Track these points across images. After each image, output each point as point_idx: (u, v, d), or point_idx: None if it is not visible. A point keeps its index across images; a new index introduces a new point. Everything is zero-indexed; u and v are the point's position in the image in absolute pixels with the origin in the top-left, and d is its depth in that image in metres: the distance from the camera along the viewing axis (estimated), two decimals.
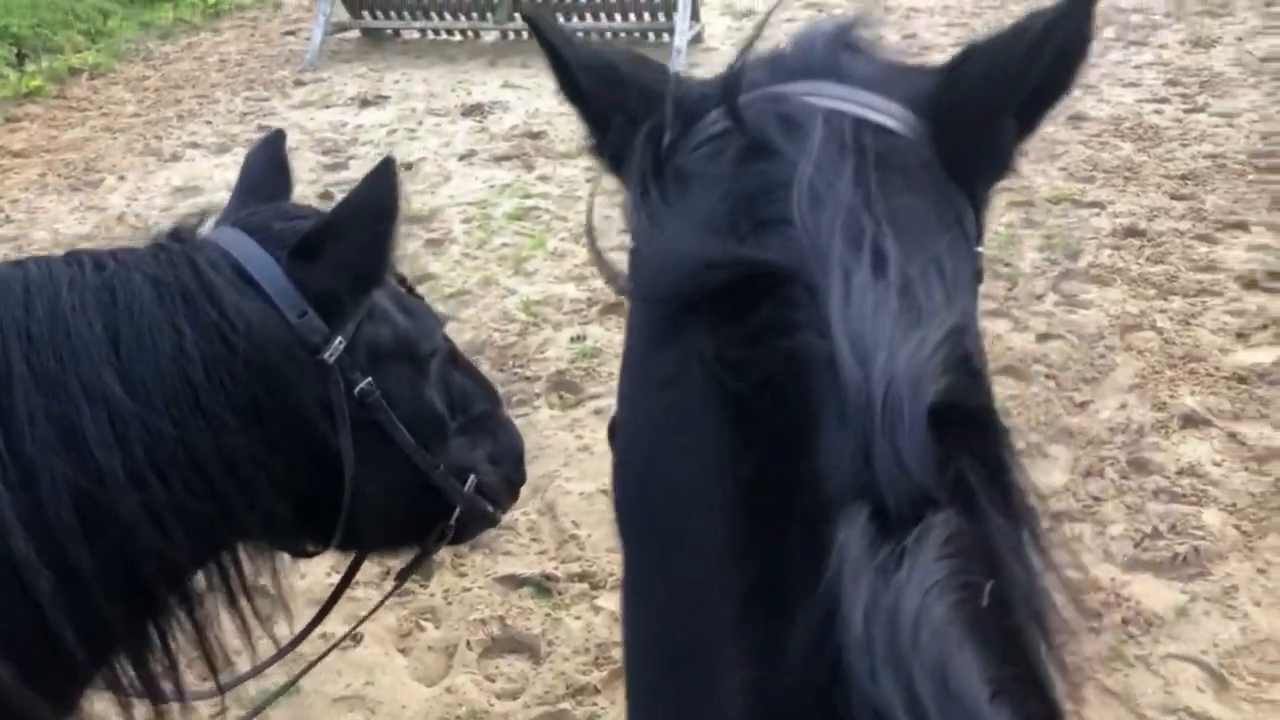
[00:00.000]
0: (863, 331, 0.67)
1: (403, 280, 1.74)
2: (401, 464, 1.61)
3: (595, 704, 2.91)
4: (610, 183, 1.00)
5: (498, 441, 1.91)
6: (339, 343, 1.48)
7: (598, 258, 0.96)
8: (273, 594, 1.65)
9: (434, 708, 2.92)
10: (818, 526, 0.64)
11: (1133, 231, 5.32)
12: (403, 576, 1.93)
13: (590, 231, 0.99)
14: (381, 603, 2.02)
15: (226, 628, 1.55)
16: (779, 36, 0.98)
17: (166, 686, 1.47)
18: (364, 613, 2.04)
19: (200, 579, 1.49)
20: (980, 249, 0.95)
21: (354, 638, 3.09)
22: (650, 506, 0.83)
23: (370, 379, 1.53)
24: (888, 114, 0.84)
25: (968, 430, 0.68)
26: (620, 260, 0.96)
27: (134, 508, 1.30)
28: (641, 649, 0.85)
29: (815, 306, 0.69)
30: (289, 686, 1.90)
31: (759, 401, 0.71)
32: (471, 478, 1.79)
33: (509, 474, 1.96)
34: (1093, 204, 5.66)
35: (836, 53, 0.90)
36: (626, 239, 0.95)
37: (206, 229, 1.57)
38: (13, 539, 1.23)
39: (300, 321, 1.45)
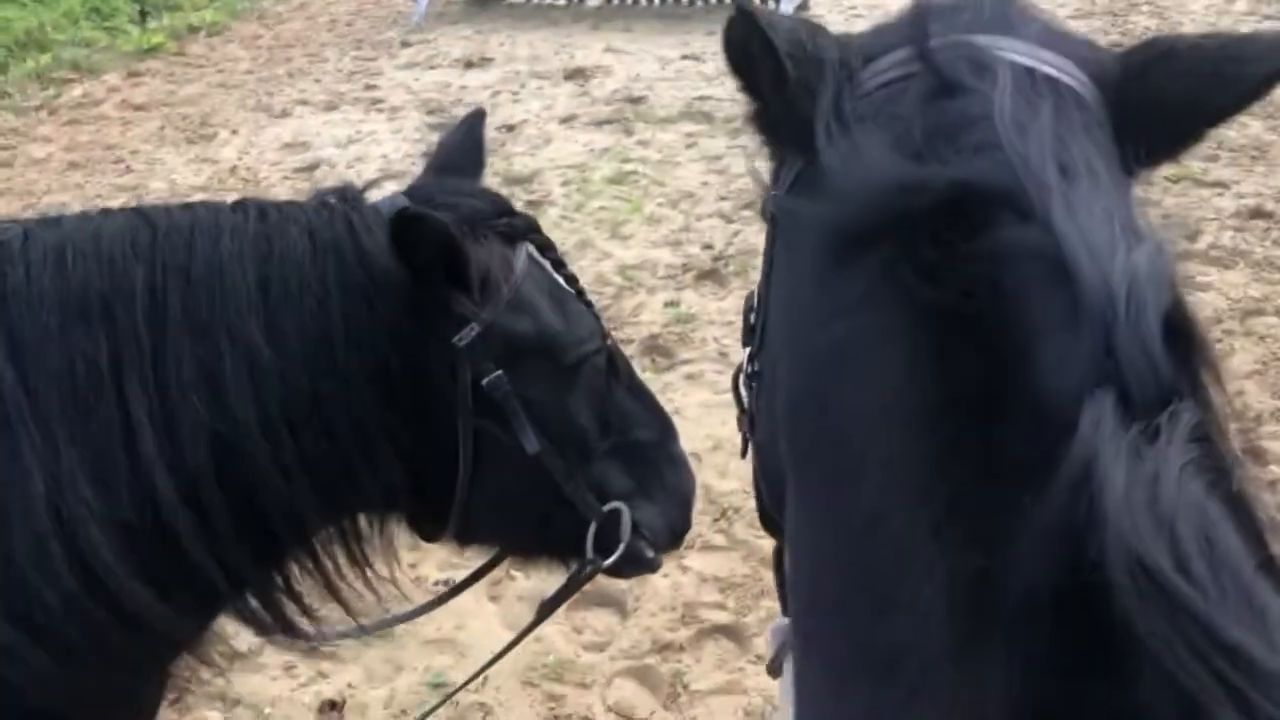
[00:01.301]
0: (1093, 235, 0.69)
1: (573, 280, 1.65)
2: (526, 466, 1.51)
3: (680, 661, 2.92)
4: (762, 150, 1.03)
5: (661, 478, 1.70)
6: (472, 329, 1.44)
7: (758, 179, 0.98)
8: (384, 569, 1.62)
9: (522, 656, 2.96)
10: (1047, 423, 0.65)
11: (1259, 213, 5.07)
12: (546, 609, 1.75)
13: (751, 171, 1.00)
14: (514, 644, 1.81)
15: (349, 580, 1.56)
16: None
17: (298, 621, 1.51)
18: (547, 596, 1.78)
19: (325, 536, 1.51)
20: None
21: (445, 582, 3.16)
22: (827, 431, 0.84)
23: (501, 372, 1.46)
24: (1068, 73, 0.86)
25: (1187, 343, 0.69)
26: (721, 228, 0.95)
27: (264, 457, 1.33)
28: (820, 565, 0.85)
29: (1028, 221, 0.71)
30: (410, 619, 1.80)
31: (963, 315, 0.71)
32: (625, 511, 1.63)
33: (670, 516, 1.72)
34: (1215, 183, 5.41)
35: (1007, 12, 0.92)
36: (772, 183, 0.97)
37: (377, 195, 1.55)
38: (156, 473, 1.28)
39: (436, 301, 1.42)
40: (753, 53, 0.91)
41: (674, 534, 1.74)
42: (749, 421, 1.14)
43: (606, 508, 1.61)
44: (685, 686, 2.85)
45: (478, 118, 1.76)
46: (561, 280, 1.63)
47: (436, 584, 3.21)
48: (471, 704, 2.81)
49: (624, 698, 2.83)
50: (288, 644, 1.56)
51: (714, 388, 3.99)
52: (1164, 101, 0.88)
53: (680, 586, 3.16)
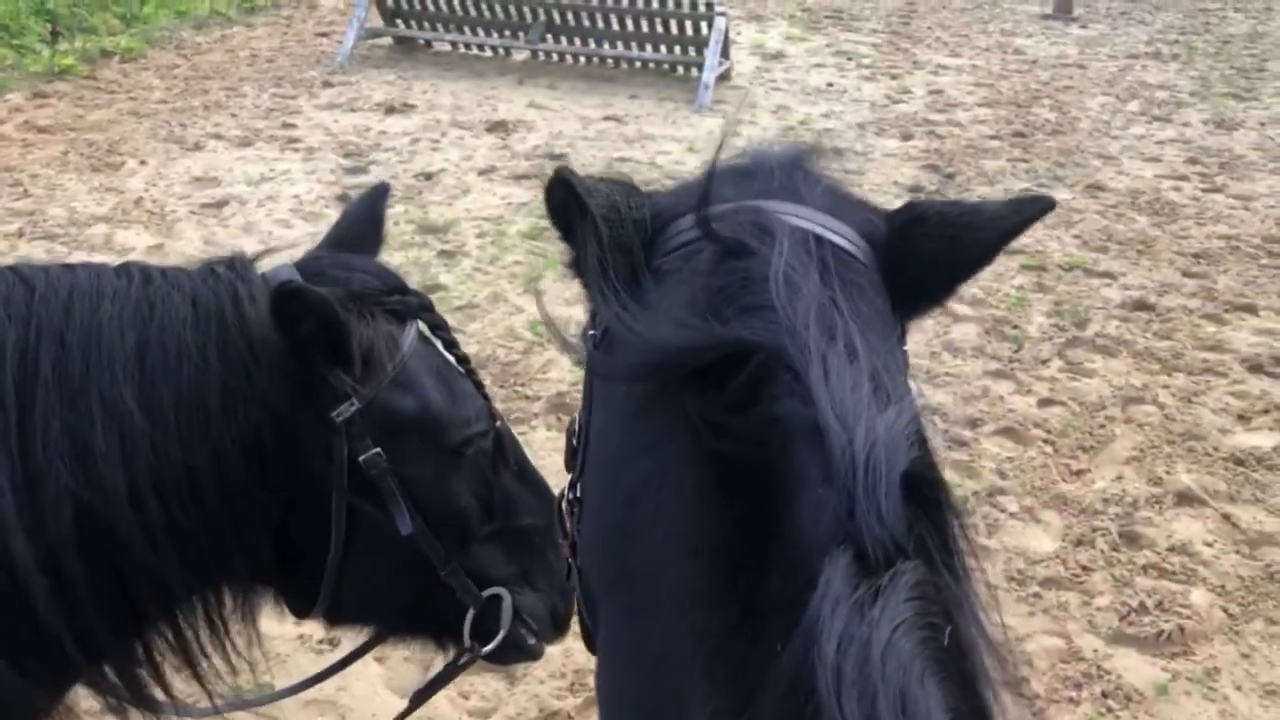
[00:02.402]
0: (844, 404, 0.76)
1: (465, 360, 1.65)
2: (401, 548, 1.49)
3: None
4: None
5: (545, 563, 1.67)
6: (351, 404, 1.42)
7: (560, 339, 1.03)
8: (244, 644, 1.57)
9: None
10: (797, 571, 0.71)
11: (1142, 305, 5.34)
12: (419, 697, 1.73)
13: (547, 320, 1.07)
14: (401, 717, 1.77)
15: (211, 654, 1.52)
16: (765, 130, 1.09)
17: (156, 695, 1.45)
18: (421, 684, 1.77)
19: (187, 608, 1.46)
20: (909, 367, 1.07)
21: (331, 642, 3.08)
22: (628, 563, 0.89)
23: (380, 450, 1.44)
24: (843, 236, 0.97)
25: (928, 497, 0.77)
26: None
27: (131, 527, 1.29)
28: (619, 698, 0.90)
29: (797, 381, 0.79)
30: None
31: (741, 461, 0.79)
32: (506, 597, 1.61)
33: (553, 602, 1.69)
34: (1104, 274, 5.68)
35: (794, 177, 1.02)
36: (585, 327, 1.07)
37: (269, 263, 1.54)
38: (12, 540, 1.23)
39: (318, 374, 1.41)
40: (570, 215, 1.00)
41: (557, 621, 1.71)
42: (570, 547, 1.19)
43: (486, 594, 1.59)
44: None
45: (381, 192, 1.76)
46: (453, 360, 1.63)
47: (321, 642, 3.12)
48: None
49: None
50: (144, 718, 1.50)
51: None
52: (920, 259, 1.01)
53: (571, 653, 3.13)
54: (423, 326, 1.59)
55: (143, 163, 6.82)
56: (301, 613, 1.60)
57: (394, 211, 6.18)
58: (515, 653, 1.69)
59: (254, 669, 1.59)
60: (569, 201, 0.99)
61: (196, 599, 1.45)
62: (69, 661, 1.32)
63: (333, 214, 6.17)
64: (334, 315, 1.38)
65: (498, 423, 1.65)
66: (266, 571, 1.48)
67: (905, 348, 1.05)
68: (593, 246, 0.97)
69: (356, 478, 1.44)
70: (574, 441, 1.20)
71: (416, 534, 1.48)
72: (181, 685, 1.52)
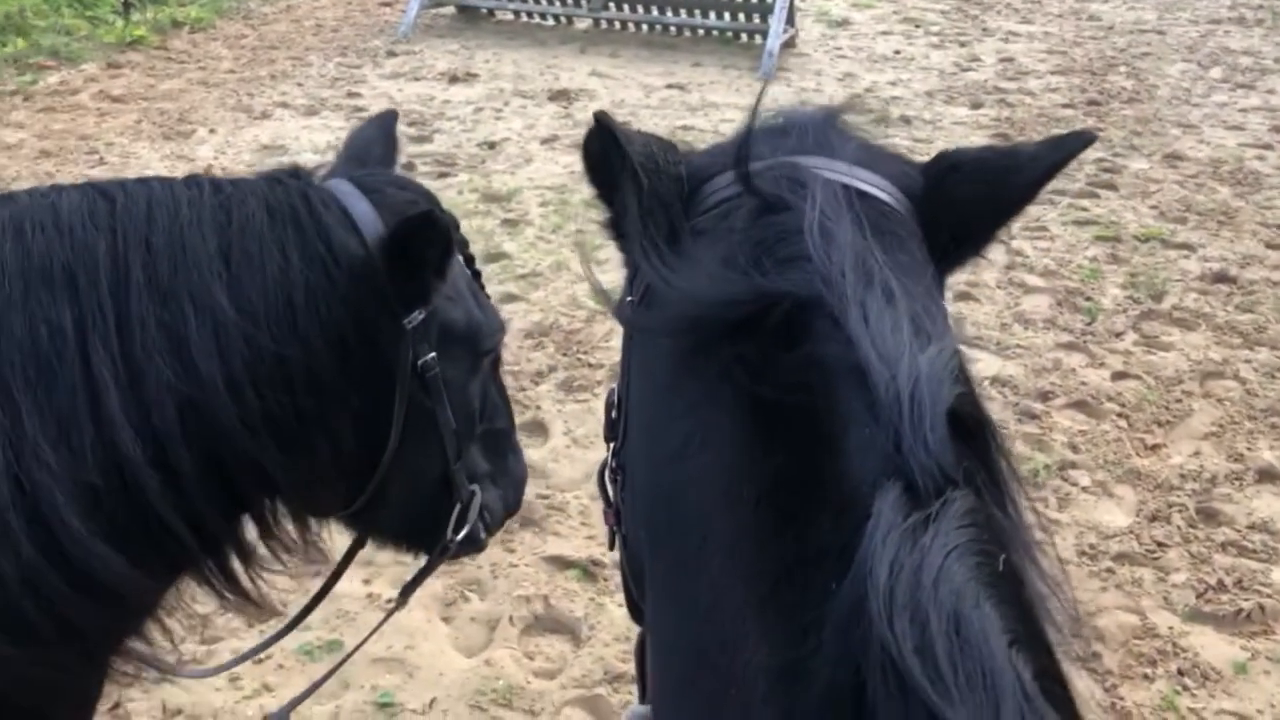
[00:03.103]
0: (885, 343, 0.77)
1: (477, 275, 1.76)
2: (436, 445, 1.63)
3: (631, 692, 2.90)
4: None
5: (506, 464, 1.87)
6: (419, 313, 1.52)
7: (608, 301, 1.08)
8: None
9: (471, 679, 2.93)
10: (847, 511, 0.72)
11: (1222, 277, 5.17)
12: (407, 590, 1.90)
13: (596, 286, 1.11)
14: (352, 652, 1.99)
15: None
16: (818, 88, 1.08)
17: (249, 592, 1.54)
18: (409, 578, 1.96)
19: (282, 497, 1.55)
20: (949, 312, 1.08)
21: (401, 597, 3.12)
22: (676, 520, 0.90)
23: (435, 354, 1.56)
24: (877, 187, 0.98)
25: (973, 432, 0.78)
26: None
27: (230, 415, 1.35)
28: (671, 651, 0.90)
29: (837, 326, 0.80)
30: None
31: (783, 409, 0.80)
32: (479, 494, 1.77)
33: (508, 499, 1.90)
34: (1183, 245, 5.51)
35: (827, 134, 1.04)
36: (622, 292, 1.09)
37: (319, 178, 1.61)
38: (121, 436, 1.28)
39: (392, 282, 1.49)
40: (610, 163, 1.00)
41: (507, 513, 1.92)
42: (615, 515, 1.21)
43: (469, 489, 1.74)
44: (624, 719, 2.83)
45: (391, 116, 1.85)
46: (469, 275, 1.74)
47: (388, 600, 3.17)
48: None
49: None
50: (244, 610, 1.59)
51: None
52: (959, 205, 1.01)
53: None
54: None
55: (212, 131, 6.92)
56: (331, 510, 1.67)
57: (457, 180, 6.22)
58: (470, 545, 1.82)
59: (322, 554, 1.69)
60: (608, 150, 0.99)
61: (288, 490, 1.52)
62: (183, 551, 1.39)
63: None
64: (452, 240, 1.50)
65: (503, 333, 1.79)
66: (345, 462, 1.54)
67: (945, 302, 1.04)
68: (632, 199, 0.97)
69: (416, 378, 1.55)
70: (613, 413, 1.22)
71: (449, 431, 1.62)
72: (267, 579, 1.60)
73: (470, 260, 1.75)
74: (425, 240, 1.47)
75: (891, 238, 0.92)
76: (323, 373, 1.43)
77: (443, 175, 6.27)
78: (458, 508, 1.73)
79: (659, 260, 0.92)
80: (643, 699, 1.43)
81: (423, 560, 1.86)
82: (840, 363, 0.79)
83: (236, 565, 1.51)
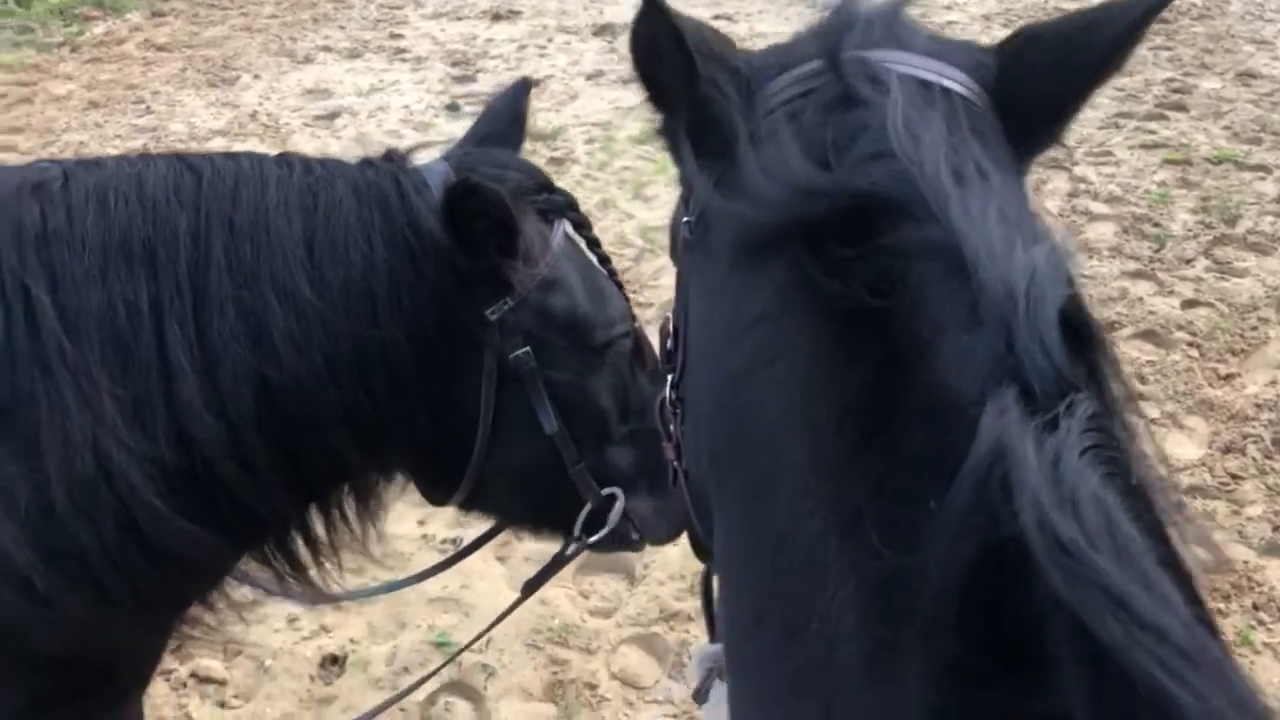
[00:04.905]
0: (992, 239, 0.71)
1: (606, 260, 1.62)
2: (540, 444, 1.51)
3: (687, 630, 2.88)
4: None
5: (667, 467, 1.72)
6: (506, 303, 1.43)
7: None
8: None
9: (527, 618, 2.92)
10: (946, 424, 0.66)
11: None
12: (531, 586, 1.78)
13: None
14: (510, 610, 1.86)
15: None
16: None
17: (311, 572, 1.51)
18: (534, 574, 1.81)
19: (351, 485, 1.51)
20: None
21: (454, 541, 3.12)
22: (743, 444, 0.84)
23: (529, 349, 1.45)
24: (956, 80, 0.90)
25: (1085, 341, 0.71)
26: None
27: (307, 405, 1.32)
28: (744, 577, 0.85)
29: (932, 224, 0.72)
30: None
31: (865, 316, 0.73)
32: (620, 499, 1.61)
33: (671, 512, 1.67)
34: (1257, 167, 5.26)
35: (894, 27, 0.96)
36: (677, 213, 1.00)
37: (421, 158, 1.54)
38: (197, 423, 1.26)
39: (472, 271, 1.41)
40: (661, 51, 0.91)
41: (670, 528, 1.69)
42: (675, 448, 1.14)
43: (605, 492, 1.60)
44: (692, 657, 2.81)
45: (524, 88, 1.71)
46: (595, 260, 1.60)
47: (444, 542, 3.17)
48: (474, 665, 2.77)
49: (629, 665, 2.79)
50: (299, 596, 1.56)
51: None
52: (1037, 79, 0.93)
53: (690, 555, 3.10)
54: (568, 225, 1.56)
55: (256, 77, 6.89)
56: (438, 500, 1.62)
57: None
58: (619, 544, 1.70)
59: (396, 550, 1.65)
60: (659, 37, 0.89)
61: (359, 477, 1.49)
62: (250, 532, 1.39)
63: (442, 123, 6.15)
64: (509, 212, 1.37)
65: (636, 324, 1.63)
66: (422, 457, 1.50)
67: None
68: (686, 90, 0.89)
69: (506, 374, 1.45)
70: (669, 343, 1.15)
71: (555, 433, 1.49)
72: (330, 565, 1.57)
73: (594, 243, 1.61)
74: (467, 214, 1.36)
75: (977, 134, 0.85)
76: (402, 366, 1.37)
77: None
78: (586, 508, 1.60)
79: (742, 142, 0.84)
80: (713, 637, 1.38)
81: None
82: (931, 262, 0.72)
83: (302, 549, 1.48)
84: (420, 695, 2.70)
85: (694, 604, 2.95)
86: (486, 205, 1.35)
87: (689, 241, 0.99)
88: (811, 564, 0.73)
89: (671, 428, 1.15)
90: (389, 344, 1.35)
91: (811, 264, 0.77)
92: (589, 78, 6.76)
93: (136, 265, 1.27)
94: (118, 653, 1.42)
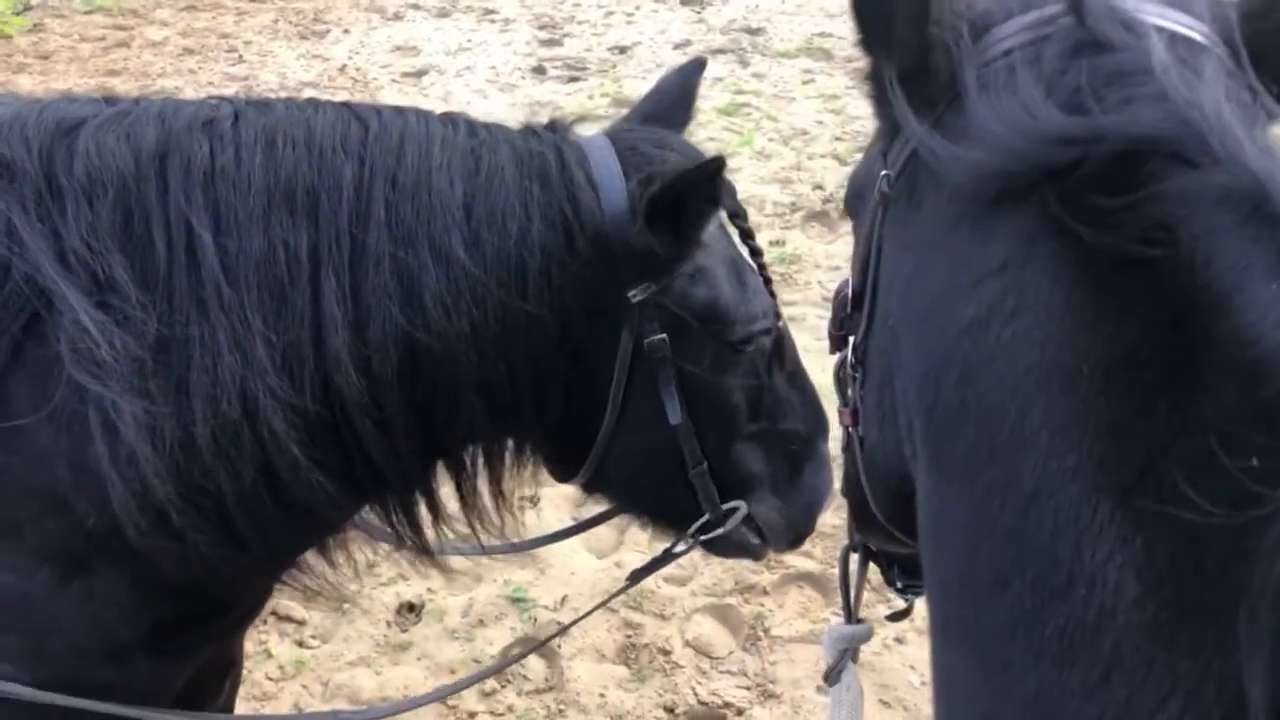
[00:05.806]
0: None
1: (758, 253, 1.58)
2: (665, 434, 1.47)
3: (762, 605, 2.86)
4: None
5: (798, 474, 1.60)
6: (649, 287, 1.40)
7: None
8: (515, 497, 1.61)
9: (601, 579, 2.93)
10: (1257, 380, 0.62)
11: None
12: (636, 576, 1.74)
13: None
14: (606, 602, 1.90)
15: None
16: None
17: (429, 534, 1.50)
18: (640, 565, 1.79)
19: (473, 455, 1.50)
20: None
21: (532, 500, 3.13)
22: (975, 401, 0.80)
23: (665, 336, 1.41)
24: (1202, 33, 0.85)
25: None
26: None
27: (450, 370, 1.31)
28: (969, 544, 0.81)
29: (1201, 171, 0.68)
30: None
31: (1143, 264, 0.69)
32: (743, 509, 1.56)
33: (793, 515, 1.62)
34: None
35: None
36: (880, 162, 0.96)
37: (585, 131, 1.52)
38: (341, 377, 1.26)
39: (625, 251, 1.38)
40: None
41: (794, 534, 1.65)
42: (851, 414, 1.10)
43: (725, 506, 1.55)
44: (766, 630, 2.79)
45: (695, 67, 1.67)
46: (746, 253, 1.55)
47: (520, 500, 3.19)
48: (549, 622, 2.79)
49: (703, 634, 2.79)
50: (414, 555, 1.54)
51: (816, 333, 3.86)
52: None
53: None
54: (723, 215, 1.51)
55: (346, 31, 6.95)
56: (562, 477, 1.60)
57: (588, 85, 6.11)
58: (737, 550, 1.65)
59: (515, 519, 1.62)
60: None
61: (489, 445, 1.48)
62: (377, 488, 1.39)
63: (528, 85, 6.14)
64: (723, 201, 1.36)
65: (780, 322, 1.58)
66: (548, 433, 1.48)
67: None
68: (916, 30, 0.85)
69: (640, 359, 1.42)
70: (846, 308, 1.11)
71: (680, 426, 1.45)
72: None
73: (748, 235, 1.56)
74: (694, 194, 1.35)
75: (1233, 83, 0.81)
76: (543, 340, 1.36)
77: (573, 79, 6.17)
78: (705, 518, 1.55)
79: (976, 87, 0.81)
80: (849, 618, 1.35)
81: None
82: (1219, 209, 0.67)
83: (424, 513, 1.48)
84: (494, 649, 2.72)
85: (770, 578, 2.93)
86: (714, 191, 1.35)
87: (887, 195, 0.95)
88: (1076, 525, 0.70)
89: (850, 392, 1.10)
90: (534, 317, 1.34)
91: (1065, 212, 0.73)
92: (676, 46, 6.70)
93: (299, 212, 1.27)
94: (234, 589, 1.44)
